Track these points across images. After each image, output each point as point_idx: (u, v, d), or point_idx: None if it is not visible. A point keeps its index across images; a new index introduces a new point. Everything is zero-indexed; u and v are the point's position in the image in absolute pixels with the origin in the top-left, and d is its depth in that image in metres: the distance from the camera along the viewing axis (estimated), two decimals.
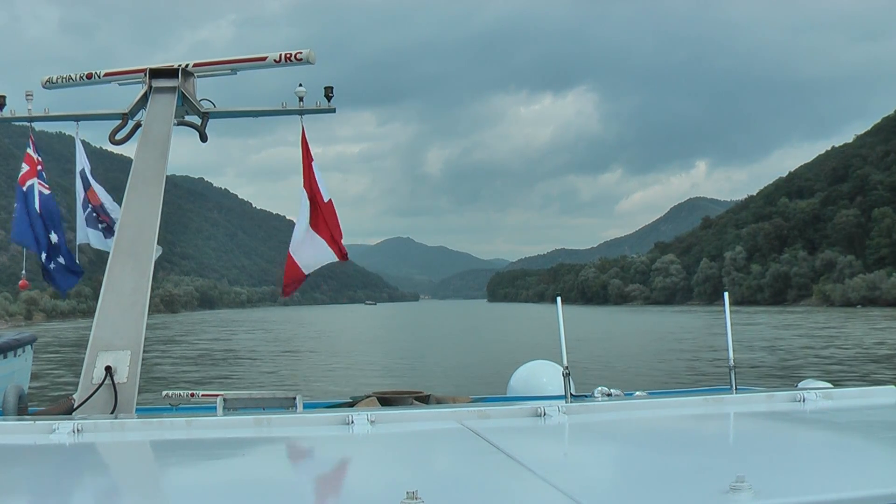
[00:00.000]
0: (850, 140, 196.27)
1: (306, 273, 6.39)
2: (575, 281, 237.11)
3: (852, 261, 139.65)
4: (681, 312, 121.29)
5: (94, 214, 6.71)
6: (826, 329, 60.00)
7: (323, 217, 6.35)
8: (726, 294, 4.55)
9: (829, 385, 4.43)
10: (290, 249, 6.33)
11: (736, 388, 4.23)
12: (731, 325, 4.26)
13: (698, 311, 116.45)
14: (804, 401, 3.83)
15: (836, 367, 31.87)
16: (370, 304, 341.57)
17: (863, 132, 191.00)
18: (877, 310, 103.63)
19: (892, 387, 3.98)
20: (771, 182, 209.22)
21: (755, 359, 35.09)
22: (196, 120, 6.30)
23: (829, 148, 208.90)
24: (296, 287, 6.50)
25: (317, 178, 6.30)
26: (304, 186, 6.34)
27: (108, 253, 5.42)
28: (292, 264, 6.34)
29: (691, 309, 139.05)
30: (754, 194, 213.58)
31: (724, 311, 4.33)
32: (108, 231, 6.63)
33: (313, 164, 6.33)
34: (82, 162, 6.72)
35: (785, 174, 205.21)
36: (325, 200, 6.33)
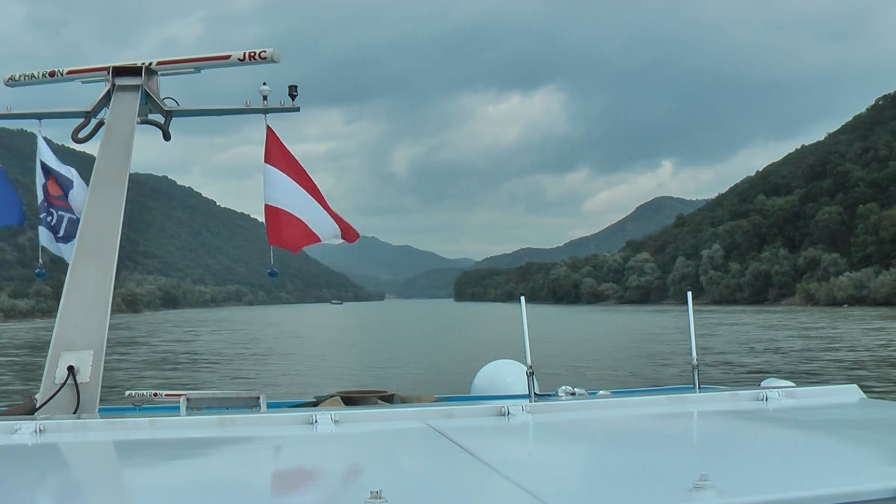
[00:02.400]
0: (822, 138, 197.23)
1: (322, 239, 6.13)
2: (546, 280, 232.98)
3: (837, 259, 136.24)
4: (655, 312, 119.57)
5: (48, 208, 6.41)
6: (820, 329, 57.27)
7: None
8: (689, 293, 4.58)
9: (792, 384, 4.48)
10: (293, 212, 5.97)
11: (699, 388, 4.27)
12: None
13: (673, 311, 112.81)
14: (767, 399, 3.87)
15: (860, 371, 30.47)
16: (336, 303, 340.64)
17: (835, 130, 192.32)
18: (859, 309, 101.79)
19: (855, 385, 4.03)
20: (740, 180, 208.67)
21: (766, 362, 34.27)
22: (159, 118, 6.25)
23: (798, 147, 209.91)
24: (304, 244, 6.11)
25: (283, 178, 6.15)
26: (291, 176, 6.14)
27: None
28: (297, 223, 5.98)
29: (666, 308, 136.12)
30: (724, 192, 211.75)
31: (688, 310, 4.36)
32: (59, 230, 6.30)
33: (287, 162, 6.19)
34: (45, 153, 6.45)
35: (752, 173, 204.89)
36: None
